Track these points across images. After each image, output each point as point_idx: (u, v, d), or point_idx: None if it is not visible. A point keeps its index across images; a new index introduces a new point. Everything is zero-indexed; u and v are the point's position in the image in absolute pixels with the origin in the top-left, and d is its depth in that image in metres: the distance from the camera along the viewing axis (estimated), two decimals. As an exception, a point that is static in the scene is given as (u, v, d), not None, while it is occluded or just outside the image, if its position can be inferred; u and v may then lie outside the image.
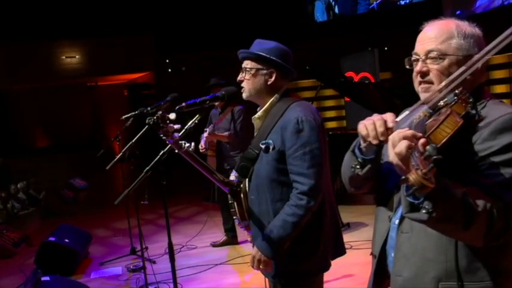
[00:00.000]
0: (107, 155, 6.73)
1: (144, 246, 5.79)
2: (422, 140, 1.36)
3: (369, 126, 1.57)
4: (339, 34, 14.13)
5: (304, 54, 14.09)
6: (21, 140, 17.77)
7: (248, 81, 2.60)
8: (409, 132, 1.41)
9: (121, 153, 4.72)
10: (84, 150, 16.27)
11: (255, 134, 2.68)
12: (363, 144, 1.68)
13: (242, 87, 2.62)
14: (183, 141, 2.36)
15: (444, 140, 1.42)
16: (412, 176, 1.30)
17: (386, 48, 12.70)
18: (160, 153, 2.55)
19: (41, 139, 18.73)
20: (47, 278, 4.40)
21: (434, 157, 1.30)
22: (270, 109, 2.60)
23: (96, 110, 19.81)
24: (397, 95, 6.16)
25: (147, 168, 2.54)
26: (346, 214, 6.79)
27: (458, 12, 11.88)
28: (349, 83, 7.17)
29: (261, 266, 2.49)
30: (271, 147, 2.49)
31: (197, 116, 2.54)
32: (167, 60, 15.62)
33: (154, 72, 16.08)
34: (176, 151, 2.41)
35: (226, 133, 5.96)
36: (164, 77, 15.37)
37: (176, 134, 2.32)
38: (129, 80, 18.99)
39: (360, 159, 1.74)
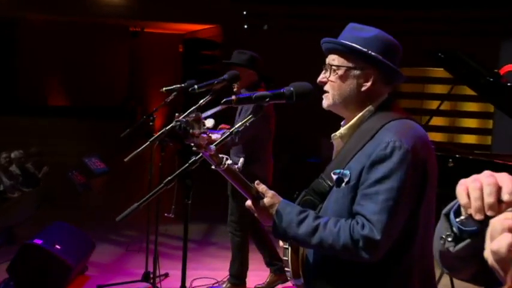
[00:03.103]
0: (141, 130, 6.75)
1: (161, 274, 5.84)
2: None
3: (472, 192, 1.44)
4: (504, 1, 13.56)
5: (434, 28, 13.66)
6: (29, 92, 18.33)
7: (333, 84, 2.59)
8: None
9: (146, 144, 4.87)
10: (112, 118, 16.65)
11: (333, 157, 2.68)
12: (463, 214, 1.55)
13: (324, 92, 2.62)
14: (223, 156, 2.45)
15: None
16: None
17: None
18: (190, 161, 2.60)
19: (56, 95, 19.29)
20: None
21: None
22: (358, 126, 2.58)
23: (136, 65, 20.17)
24: None
25: (169, 178, 2.60)
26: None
27: None
28: (500, 86, 6.77)
29: (255, 213, 2.60)
30: (345, 180, 2.47)
31: (249, 117, 2.61)
32: (244, 12, 15.63)
33: (224, 26, 16.21)
34: (213, 167, 2.49)
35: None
36: (237, 35, 15.34)
37: (212, 146, 2.38)
38: (187, 31, 19.22)
39: (455, 229, 1.61)
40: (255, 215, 2.61)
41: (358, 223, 2.37)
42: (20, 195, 9.61)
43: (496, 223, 1.31)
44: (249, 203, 2.60)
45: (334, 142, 2.69)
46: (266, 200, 2.53)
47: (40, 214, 9.19)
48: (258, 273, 6.65)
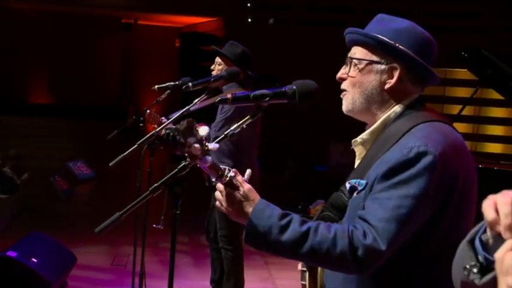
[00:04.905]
0: (132, 132, 6.63)
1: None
2: None
3: (502, 206, 1.38)
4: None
5: (461, 24, 13.56)
6: (8, 88, 18.26)
7: (353, 81, 2.54)
8: None
9: (133, 148, 4.74)
10: (102, 119, 16.66)
11: (355, 166, 2.62)
12: (489, 234, 1.49)
13: (342, 91, 2.58)
14: (225, 167, 2.42)
15: None
16: None
17: None
18: (179, 167, 2.49)
19: (40, 93, 19.29)
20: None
21: None
22: (382, 130, 2.52)
23: (129, 61, 20.18)
24: None
25: (155, 185, 2.54)
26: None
27: None
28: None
29: (224, 203, 2.47)
30: (359, 189, 2.42)
31: (247, 117, 2.58)
32: (248, 4, 15.62)
33: (226, 19, 16.22)
34: (213, 180, 2.47)
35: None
36: (240, 30, 15.36)
37: (208, 157, 2.30)
38: (185, 24, 19.26)
39: (480, 258, 1.53)
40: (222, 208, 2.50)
41: (358, 229, 2.29)
42: (-4, 202, 9.53)
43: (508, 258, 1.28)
44: (220, 186, 2.47)
45: (355, 149, 2.63)
46: (242, 193, 2.43)
47: (18, 223, 9.14)
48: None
